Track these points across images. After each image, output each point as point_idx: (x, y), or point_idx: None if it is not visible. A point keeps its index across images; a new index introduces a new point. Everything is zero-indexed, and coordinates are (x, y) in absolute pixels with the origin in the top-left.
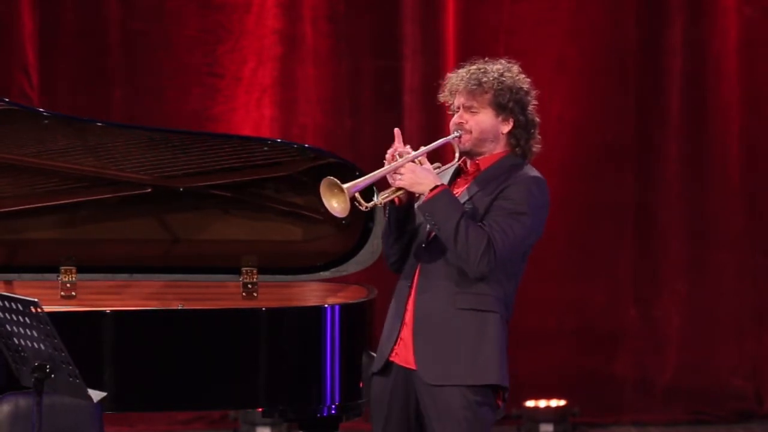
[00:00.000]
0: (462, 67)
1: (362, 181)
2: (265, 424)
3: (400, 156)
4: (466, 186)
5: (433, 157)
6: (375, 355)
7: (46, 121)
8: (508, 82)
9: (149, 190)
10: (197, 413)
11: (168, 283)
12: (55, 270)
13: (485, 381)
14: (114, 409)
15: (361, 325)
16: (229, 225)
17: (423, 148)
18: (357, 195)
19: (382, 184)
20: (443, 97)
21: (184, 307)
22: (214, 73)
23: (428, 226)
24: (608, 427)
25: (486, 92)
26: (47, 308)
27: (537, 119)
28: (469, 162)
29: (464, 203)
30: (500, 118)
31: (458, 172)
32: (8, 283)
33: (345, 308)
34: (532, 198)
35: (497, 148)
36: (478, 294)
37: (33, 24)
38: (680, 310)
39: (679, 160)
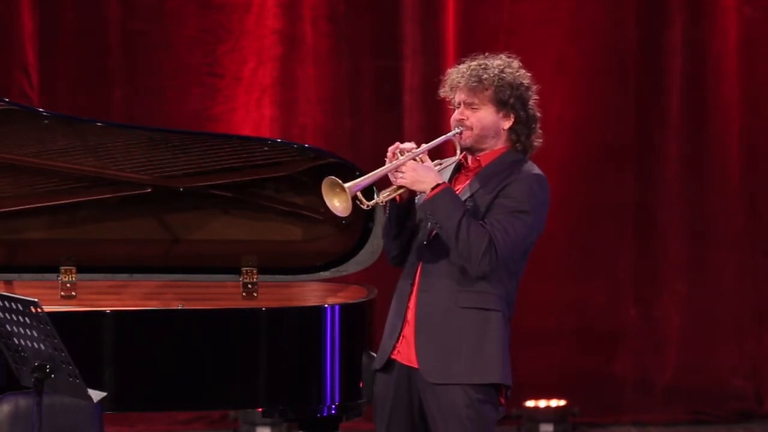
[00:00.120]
0: (463, 62)
1: (364, 180)
2: (265, 424)
3: (402, 153)
4: (468, 182)
5: (434, 153)
6: (375, 355)
7: (46, 121)
8: (509, 78)
9: (149, 190)
10: (197, 413)
11: (168, 283)
12: (55, 270)
13: (488, 379)
14: (114, 409)
15: (361, 325)
16: (229, 225)
17: (424, 146)
18: (358, 194)
19: (383, 182)
20: (443, 92)
21: (184, 307)
22: (214, 73)
23: (429, 224)
24: (608, 427)
25: (487, 89)
26: (47, 308)
27: (538, 114)
28: (470, 158)
29: (466, 200)
30: (501, 115)
31: (459, 168)
32: (8, 283)
33: (345, 308)
34: (534, 196)
35: (498, 144)
36: (479, 292)
37: (33, 24)
38: (680, 310)
39: (679, 160)
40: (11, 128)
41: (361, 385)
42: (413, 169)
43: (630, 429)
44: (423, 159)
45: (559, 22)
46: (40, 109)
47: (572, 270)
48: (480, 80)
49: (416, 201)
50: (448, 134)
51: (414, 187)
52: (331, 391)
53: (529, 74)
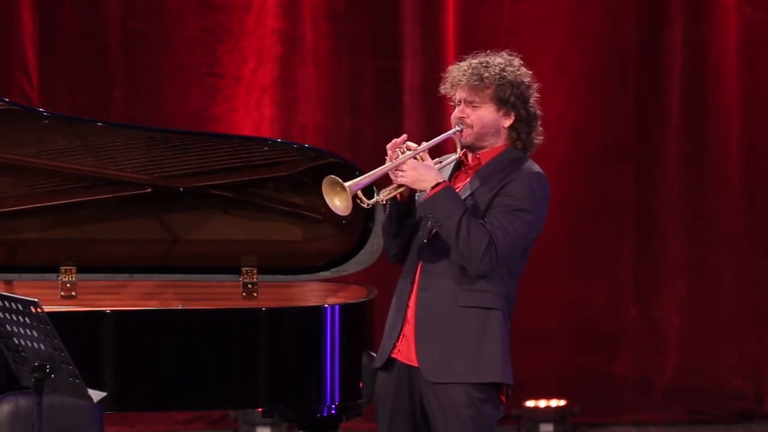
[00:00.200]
0: (464, 59)
1: (364, 179)
2: (265, 424)
3: (402, 152)
4: (468, 180)
5: (434, 150)
6: (375, 355)
7: (46, 121)
8: (510, 76)
9: (149, 190)
10: (197, 413)
11: (168, 282)
12: (55, 270)
13: (488, 378)
14: (114, 409)
15: (361, 325)
16: (229, 225)
17: (425, 144)
18: (359, 193)
19: (384, 181)
20: (444, 89)
21: (184, 307)
22: (214, 73)
23: (429, 223)
24: (608, 427)
25: (487, 87)
26: (47, 308)
27: (539, 112)
28: (470, 156)
29: (465, 199)
30: (502, 113)
31: (459, 166)
32: (8, 283)
33: (345, 308)
34: (534, 194)
35: (498, 142)
36: (480, 291)
37: (33, 24)
38: (680, 310)
39: (679, 160)
40: (11, 128)
41: (361, 385)
42: (414, 167)
43: (630, 429)
44: (423, 157)
45: (559, 22)
46: (40, 109)
47: (572, 270)
48: (481, 78)
49: (416, 199)
50: (449, 132)
51: (414, 186)
52: (331, 391)
53: (530, 72)
